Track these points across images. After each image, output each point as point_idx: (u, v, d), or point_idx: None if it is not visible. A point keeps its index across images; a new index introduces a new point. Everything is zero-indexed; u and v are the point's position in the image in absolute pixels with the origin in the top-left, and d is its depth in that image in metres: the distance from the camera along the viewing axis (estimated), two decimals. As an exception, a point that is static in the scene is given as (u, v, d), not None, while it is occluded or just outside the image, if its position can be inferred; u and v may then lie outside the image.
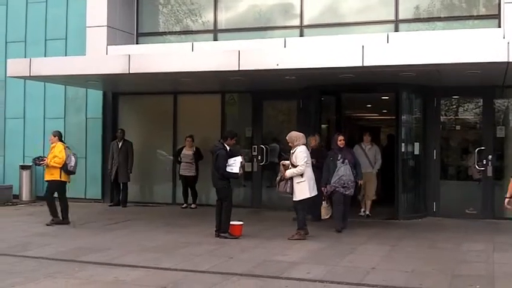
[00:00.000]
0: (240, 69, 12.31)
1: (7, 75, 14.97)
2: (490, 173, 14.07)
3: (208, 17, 16.62)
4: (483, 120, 14.60)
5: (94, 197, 17.46)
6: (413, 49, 11.65)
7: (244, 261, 9.56)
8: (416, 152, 14.57)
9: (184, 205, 16.26)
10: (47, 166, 13.32)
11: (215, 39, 16.26)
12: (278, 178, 11.83)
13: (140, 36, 17.08)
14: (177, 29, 17.09)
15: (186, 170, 16.18)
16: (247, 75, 13.06)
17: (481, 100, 14.71)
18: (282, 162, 11.87)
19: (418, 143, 14.60)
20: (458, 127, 15.19)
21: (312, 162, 11.90)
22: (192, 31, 16.86)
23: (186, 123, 16.95)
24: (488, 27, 13.88)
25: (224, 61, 12.50)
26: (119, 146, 16.54)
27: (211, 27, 16.51)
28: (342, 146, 12.57)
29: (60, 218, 13.33)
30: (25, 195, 17.49)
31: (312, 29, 15.43)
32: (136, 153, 16.73)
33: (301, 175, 11.37)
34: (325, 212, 12.55)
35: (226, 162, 11.62)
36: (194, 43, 15.18)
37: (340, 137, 12.66)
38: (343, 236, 11.98)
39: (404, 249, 10.69)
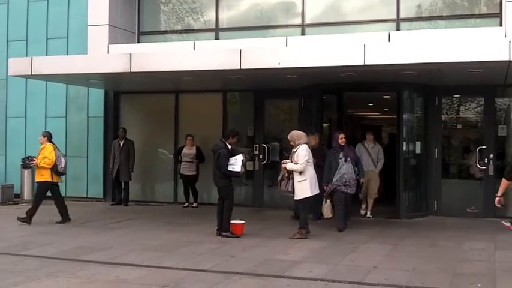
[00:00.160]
0: (242, 68, 12.32)
1: (8, 74, 14.99)
2: (491, 171, 14.06)
3: (210, 15, 16.61)
4: (484, 119, 14.59)
5: (95, 196, 17.46)
6: (414, 48, 11.64)
7: (246, 260, 9.56)
8: (418, 150, 14.57)
9: (186, 204, 16.26)
10: (37, 167, 13.32)
11: (217, 38, 16.26)
12: (279, 177, 11.84)
13: (142, 35, 17.08)
14: (179, 27, 17.09)
15: (186, 169, 16.17)
16: (249, 74, 13.06)
17: (483, 99, 14.70)
18: (283, 161, 11.87)
19: (419, 142, 14.60)
20: (459, 126, 15.18)
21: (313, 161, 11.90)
22: (193, 30, 16.86)
23: (187, 122, 16.95)
24: (490, 26, 13.88)
25: (226, 60, 12.51)
26: (121, 145, 16.54)
27: (213, 26, 16.51)
28: (343, 144, 12.55)
29: (29, 220, 13.24)
30: (26, 194, 17.49)
31: (313, 27, 15.43)
32: (137, 152, 16.74)
33: (303, 174, 11.37)
34: (327, 211, 12.51)
35: (228, 161, 11.62)
36: (196, 42, 15.18)
37: (341, 135, 12.64)
38: (344, 234, 11.98)
39: (406, 248, 10.69)
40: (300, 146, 11.50)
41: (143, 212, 15.51)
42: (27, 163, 13.64)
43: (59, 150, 13.54)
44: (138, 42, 16.90)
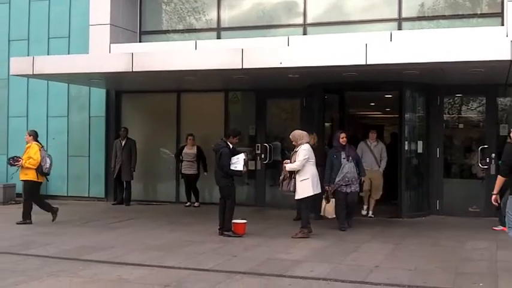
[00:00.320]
0: (244, 67, 12.32)
1: (10, 73, 15.00)
2: (493, 171, 14.01)
3: (212, 15, 16.61)
4: (486, 119, 14.59)
5: (97, 195, 17.47)
6: (416, 47, 11.64)
7: (248, 260, 9.56)
8: (420, 150, 14.57)
9: (188, 203, 16.27)
10: (22, 167, 13.30)
11: (218, 37, 16.26)
12: (281, 177, 11.84)
13: (143, 34, 17.08)
14: (180, 27, 17.08)
15: (187, 168, 16.18)
16: (251, 73, 13.05)
17: (484, 98, 14.69)
18: (285, 162, 11.87)
19: (421, 142, 14.59)
20: (461, 125, 15.19)
21: None
22: (195, 29, 16.84)
23: (189, 122, 16.96)
24: (492, 25, 13.86)
25: (227, 59, 12.51)
26: (122, 144, 16.55)
27: (215, 26, 16.50)
28: (344, 144, 12.53)
29: (29, 220, 13.29)
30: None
31: (315, 27, 15.43)
32: (139, 152, 16.74)
33: (304, 173, 11.38)
34: (331, 211, 12.40)
35: (230, 160, 11.63)
36: (197, 41, 15.15)
37: (342, 135, 12.60)
38: (346, 234, 11.98)
39: (408, 248, 10.69)
40: (302, 146, 11.52)
41: (145, 211, 15.51)
42: (13, 163, 13.55)
43: (44, 150, 13.49)
44: (140, 41, 16.89)
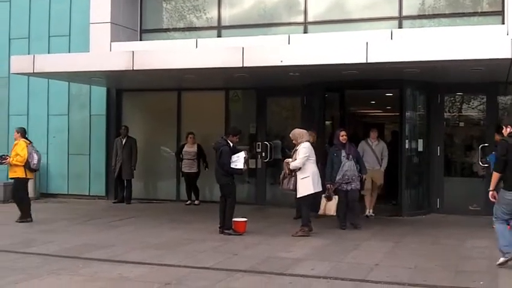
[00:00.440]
0: (244, 65, 12.31)
1: (11, 71, 15.00)
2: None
3: (212, 13, 16.61)
4: (487, 117, 14.58)
5: (98, 193, 17.48)
6: (417, 46, 11.64)
7: (248, 258, 9.57)
8: (420, 148, 14.57)
9: (188, 202, 16.28)
10: (10, 165, 13.29)
11: (219, 35, 16.26)
12: (281, 175, 11.85)
13: (144, 32, 17.08)
14: (181, 25, 17.08)
15: (187, 166, 16.18)
16: (251, 71, 13.05)
17: (485, 97, 14.69)
18: (286, 160, 11.87)
19: (421, 140, 14.60)
20: (462, 124, 15.17)
21: None
22: (196, 28, 16.83)
23: (190, 120, 16.96)
24: (492, 23, 13.86)
25: (228, 58, 12.51)
26: (123, 142, 16.55)
27: (215, 24, 16.50)
28: (344, 142, 12.50)
29: (29, 217, 13.34)
30: (29, 192, 17.41)
31: (316, 25, 15.43)
32: (140, 150, 16.73)
33: (305, 171, 11.40)
34: (332, 207, 12.33)
35: (230, 158, 11.63)
36: (198, 40, 15.16)
37: (342, 133, 12.56)
38: (346, 232, 11.99)
39: (408, 246, 10.69)
40: (302, 144, 11.53)
41: (145, 209, 15.52)
42: (0, 162, 13.54)
43: (32, 146, 13.42)
44: (141, 40, 16.89)
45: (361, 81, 14.12)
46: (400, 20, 14.79)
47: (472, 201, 14.38)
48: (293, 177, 11.57)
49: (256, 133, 16.18)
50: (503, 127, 9.37)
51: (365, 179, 13.00)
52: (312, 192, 11.47)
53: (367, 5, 15.28)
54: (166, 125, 17.33)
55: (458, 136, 15.32)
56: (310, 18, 15.57)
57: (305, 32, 15.41)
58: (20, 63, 14.44)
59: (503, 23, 13.52)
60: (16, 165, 13.16)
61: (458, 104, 15.41)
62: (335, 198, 12.14)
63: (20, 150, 13.15)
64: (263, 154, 15.91)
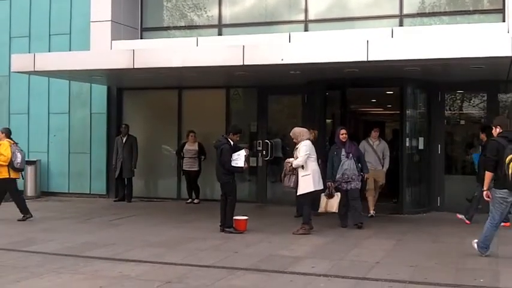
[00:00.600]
0: (245, 64, 12.32)
1: (11, 70, 15.00)
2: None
3: (213, 11, 16.61)
4: (487, 115, 14.56)
5: (99, 192, 17.48)
6: (417, 44, 11.64)
7: (249, 256, 9.57)
8: (421, 146, 14.56)
9: (189, 200, 16.28)
10: None
11: (220, 34, 16.25)
12: (283, 173, 11.87)
13: (144, 31, 17.08)
14: (182, 23, 17.07)
15: (188, 165, 16.18)
16: (252, 70, 13.06)
17: (486, 95, 14.70)
18: (287, 160, 11.88)
19: (422, 138, 14.60)
20: (462, 122, 15.17)
21: None
22: (196, 26, 16.83)
23: (190, 118, 16.95)
24: (493, 21, 13.85)
25: (229, 56, 12.51)
26: (123, 141, 16.55)
27: (216, 22, 16.49)
28: (344, 140, 12.45)
29: (28, 214, 13.30)
30: (30, 191, 17.49)
31: (316, 23, 15.43)
32: (140, 149, 16.73)
33: (306, 169, 11.41)
34: (334, 204, 12.28)
35: (231, 156, 11.64)
36: (199, 38, 15.15)
37: (342, 131, 12.49)
38: (347, 230, 12.00)
39: (409, 244, 10.70)
40: (302, 142, 11.54)
41: (146, 208, 15.54)
42: None
43: (16, 145, 13.37)
44: (141, 38, 16.89)
45: (362, 80, 14.13)
46: (401, 18, 14.79)
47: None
48: (294, 175, 11.59)
49: (257, 131, 16.18)
50: (493, 127, 9.52)
51: (367, 178, 12.94)
52: (312, 190, 11.48)
53: (368, 3, 15.28)
54: (167, 124, 17.33)
55: (459, 134, 15.31)
56: (311, 17, 15.57)
57: (306, 30, 15.41)
58: (20, 61, 14.45)
59: (503, 21, 13.51)
60: (0, 166, 13.12)
61: (458, 102, 15.41)
62: (337, 195, 12.09)
63: (3, 150, 13.12)
64: (264, 152, 15.90)
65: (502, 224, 11.77)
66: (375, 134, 14.17)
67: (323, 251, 10.06)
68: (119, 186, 16.91)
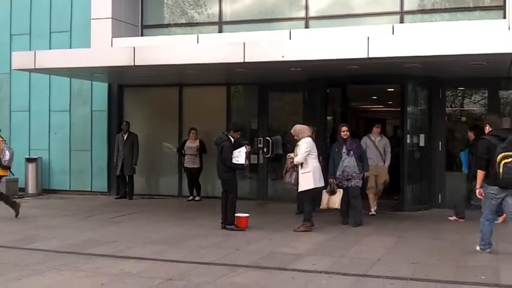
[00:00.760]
0: (245, 61, 12.31)
1: (12, 68, 15.04)
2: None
3: (214, 8, 16.60)
4: (488, 112, 14.54)
5: (100, 189, 17.50)
6: (418, 40, 11.63)
7: (251, 253, 9.58)
8: (422, 143, 14.56)
9: (190, 197, 16.28)
10: None
11: (220, 31, 16.25)
12: (284, 170, 11.88)
13: (145, 28, 17.06)
14: (182, 21, 17.07)
15: (190, 162, 16.19)
16: (253, 67, 13.05)
17: (487, 91, 14.70)
18: (289, 155, 11.89)
19: (423, 135, 14.59)
20: (463, 118, 15.17)
21: None
22: (197, 23, 16.83)
23: (191, 116, 16.96)
24: (494, 18, 13.85)
25: (229, 53, 12.51)
26: (124, 138, 16.55)
27: (217, 19, 16.48)
28: (345, 137, 12.41)
29: (17, 209, 13.26)
30: (31, 188, 17.53)
31: (317, 20, 15.43)
32: (141, 146, 16.74)
33: (306, 166, 11.42)
34: (336, 200, 12.25)
35: (232, 153, 11.64)
36: (199, 35, 15.14)
37: (344, 128, 12.46)
38: (348, 227, 12.00)
39: (410, 241, 10.71)
40: (303, 139, 11.54)
41: (148, 205, 15.54)
42: None
43: (5, 143, 13.32)
44: (142, 35, 16.88)
45: (363, 77, 14.12)
46: (402, 15, 14.78)
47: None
48: (295, 172, 11.61)
49: (258, 128, 16.17)
50: (485, 126, 9.71)
51: (368, 177, 12.84)
52: (313, 187, 11.48)
53: (369, 0, 15.27)
54: (168, 121, 17.33)
55: (460, 131, 15.30)
56: (311, 13, 15.56)
57: (306, 27, 15.39)
58: (21, 59, 14.46)
59: (504, 18, 13.50)
60: None
61: (460, 98, 15.40)
62: (339, 192, 12.07)
63: None
64: (264, 149, 15.90)
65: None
66: (376, 130, 14.10)
67: (324, 248, 10.06)
68: (120, 184, 16.93)
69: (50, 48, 16.96)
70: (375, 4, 15.16)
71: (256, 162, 15.86)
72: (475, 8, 14.53)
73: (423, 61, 12.03)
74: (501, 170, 8.88)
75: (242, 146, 11.88)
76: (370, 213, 13.62)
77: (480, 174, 9.32)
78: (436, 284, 7.79)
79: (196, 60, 12.83)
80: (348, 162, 12.24)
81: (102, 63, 13.75)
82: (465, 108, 15.29)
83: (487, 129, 9.56)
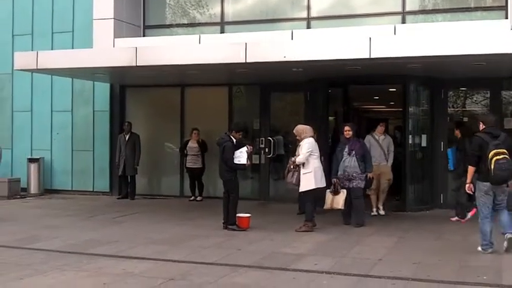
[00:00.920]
0: (247, 61, 12.31)
1: (14, 68, 15.07)
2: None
3: (215, 9, 16.61)
4: (490, 112, 14.52)
5: (102, 189, 17.51)
6: (420, 41, 11.62)
7: (252, 253, 9.59)
8: (424, 144, 14.55)
9: (192, 198, 16.28)
10: None
11: (222, 31, 16.26)
12: (286, 170, 11.89)
13: (147, 28, 17.07)
14: (184, 21, 17.09)
15: (192, 162, 16.19)
16: (255, 67, 13.05)
17: (489, 92, 14.69)
18: (291, 159, 11.89)
19: (425, 135, 14.58)
20: (465, 119, 15.14)
21: None
22: (199, 23, 16.85)
23: (193, 116, 16.96)
24: (495, 18, 13.85)
25: (231, 53, 12.52)
26: (126, 138, 16.57)
27: (218, 20, 16.50)
28: (348, 137, 12.36)
29: None
30: (33, 188, 17.54)
31: (319, 21, 15.43)
32: (143, 146, 16.76)
33: (307, 166, 11.42)
34: (340, 201, 12.24)
35: (233, 154, 11.65)
36: (201, 35, 15.17)
37: (346, 128, 12.45)
38: (350, 228, 11.98)
39: (412, 241, 10.71)
40: (305, 139, 11.54)
41: (150, 205, 15.55)
42: None
43: None
44: (144, 36, 16.90)
45: (365, 77, 14.12)
46: (404, 15, 14.78)
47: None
48: (296, 172, 11.60)
49: (260, 129, 16.17)
50: (479, 124, 9.91)
51: (372, 178, 12.69)
52: (314, 187, 11.47)
53: (371, 0, 15.26)
54: (170, 121, 17.34)
55: (462, 131, 15.24)
56: (313, 14, 15.57)
57: (308, 27, 15.40)
58: (23, 59, 14.47)
59: (506, 18, 13.50)
60: None
61: (462, 99, 15.39)
62: (343, 192, 12.05)
63: None
64: (266, 150, 15.90)
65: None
66: (380, 128, 14.03)
67: (326, 248, 10.07)
68: (122, 184, 16.95)
69: (52, 49, 17.00)
70: (376, 4, 15.16)
71: (258, 162, 15.87)
72: (476, 9, 14.53)
73: (425, 61, 12.03)
74: (492, 167, 9.08)
75: (244, 146, 11.88)
76: (372, 213, 13.58)
77: (471, 170, 9.58)
78: (438, 284, 7.79)
79: (198, 60, 12.83)
80: (348, 162, 12.21)
81: (104, 64, 13.76)
82: (467, 109, 15.26)
83: (481, 127, 9.75)
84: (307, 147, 11.42)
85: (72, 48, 16.72)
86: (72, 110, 17.74)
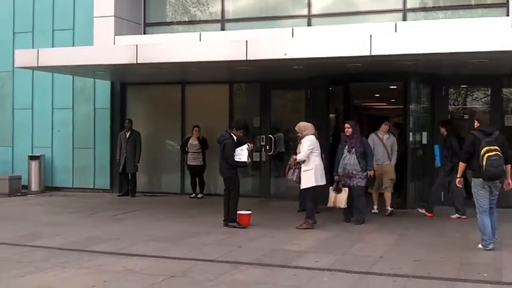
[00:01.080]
0: (248, 59, 12.30)
1: (15, 65, 15.02)
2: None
3: (216, 6, 16.60)
4: (491, 109, 14.54)
5: (103, 187, 17.52)
6: (421, 38, 11.60)
7: (253, 250, 9.59)
8: (424, 141, 14.54)
9: (193, 195, 16.28)
10: None
11: (223, 29, 16.26)
12: (287, 167, 11.90)
13: (147, 26, 17.08)
14: (185, 18, 17.08)
15: (193, 160, 16.20)
16: (255, 65, 13.04)
17: (489, 89, 14.68)
18: (293, 157, 11.90)
19: (426, 133, 14.58)
20: (466, 116, 15.14)
21: None
22: (199, 21, 16.84)
23: (194, 113, 16.96)
24: (497, 16, 13.83)
25: (232, 51, 12.50)
26: (127, 136, 16.58)
27: (219, 17, 16.50)
28: (347, 134, 12.33)
29: None
30: (34, 186, 17.56)
31: (320, 18, 15.42)
32: (144, 144, 16.76)
33: (308, 163, 11.43)
34: (342, 199, 12.22)
35: (234, 151, 11.65)
36: (202, 33, 15.16)
37: (346, 125, 12.41)
38: (351, 225, 11.99)
39: (412, 239, 10.71)
40: (306, 137, 11.55)
41: (150, 203, 15.56)
42: None
43: None
44: (144, 33, 16.90)
45: (365, 74, 14.12)
46: (404, 12, 14.78)
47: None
48: (298, 169, 11.61)
49: (260, 126, 16.17)
50: (474, 122, 10.07)
51: (370, 176, 12.55)
52: (314, 184, 11.47)
53: (371, -3, 15.30)
54: (171, 119, 17.34)
55: (462, 129, 15.26)
56: (314, 11, 15.57)
57: (309, 24, 15.40)
58: (24, 57, 14.46)
59: (507, 15, 13.49)
60: None
61: (462, 96, 15.38)
62: (345, 191, 12.05)
63: None
64: (267, 147, 15.90)
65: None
66: (385, 127, 13.85)
67: (326, 246, 10.07)
68: (123, 181, 16.96)
69: (52, 46, 17.02)
70: (377, 2, 15.14)
71: (258, 159, 15.86)
72: (477, 6, 14.54)
73: (426, 59, 12.01)
74: (484, 163, 9.25)
75: (244, 143, 11.88)
76: (373, 211, 13.55)
77: (462, 166, 9.91)
78: (439, 281, 7.80)
79: (198, 58, 12.82)
80: (348, 159, 12.19)
81: (104, 61, 13.75)
82: (468, 106, 15.25)
83: (476, 124, 9.89)
84: (308, 145, 11.43)
85: (73, 45, 16.73)
86: (73, 107, 17.75)
